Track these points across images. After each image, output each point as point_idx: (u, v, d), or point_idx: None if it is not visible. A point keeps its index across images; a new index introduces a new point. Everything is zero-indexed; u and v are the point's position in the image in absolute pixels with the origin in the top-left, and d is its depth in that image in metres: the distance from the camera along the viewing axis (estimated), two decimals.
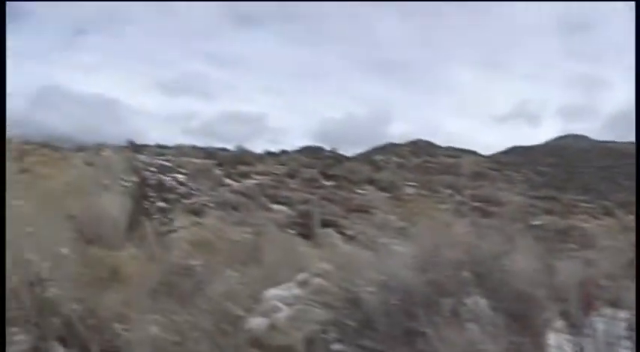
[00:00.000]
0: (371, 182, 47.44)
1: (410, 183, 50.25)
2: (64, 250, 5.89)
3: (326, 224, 22.30)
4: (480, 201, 43.69)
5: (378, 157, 73.91)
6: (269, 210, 34.77)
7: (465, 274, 6.12)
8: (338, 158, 57.38)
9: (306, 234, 28.76)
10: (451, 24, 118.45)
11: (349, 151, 69.42)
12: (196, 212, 13.22)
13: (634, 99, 5.93)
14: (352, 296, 5.73)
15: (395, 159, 78.04)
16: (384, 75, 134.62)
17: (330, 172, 47.90)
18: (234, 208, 31.31)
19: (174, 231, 12.27)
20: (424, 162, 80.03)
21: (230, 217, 26.58)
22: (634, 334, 5.83)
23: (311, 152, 59.36)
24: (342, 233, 12.92)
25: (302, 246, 14.21)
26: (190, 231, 12.70)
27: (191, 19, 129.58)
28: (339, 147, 61.88)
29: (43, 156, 16.35)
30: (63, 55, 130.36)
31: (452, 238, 6.57)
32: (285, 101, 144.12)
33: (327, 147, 61.21)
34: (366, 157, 71.37)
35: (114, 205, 10.38)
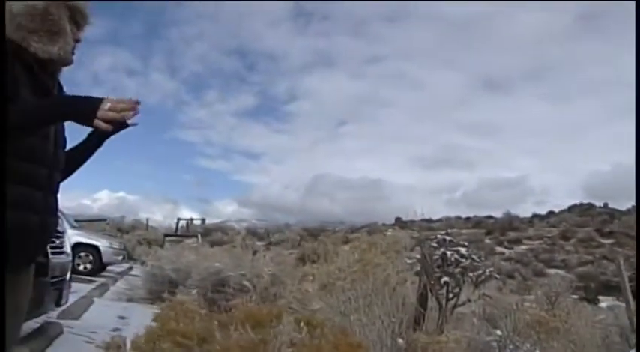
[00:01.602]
0: None
1: None
2: (400, 340, 5.93)
3: (615, 287, 20.55)
4: None
5: None
6: (544, 275, 33.16)
7: None
8: (612, 213, 53.50)
9: (590, 299, 26.81)
10: None
11: (623, 204, 64.46)
12: (477, 284, 12.80)
13: (634, 103, 4.87)
14: None
15: None
16: None
17: (606, 229, 44.71)
18: (509, 276, 30.40)
19: (462, 305, 12.00)
20: None
21: (506, 286, 25.75)
22: None
23: (581, 210, 56.04)
24: None
25: (599, 314, 13.17)
26: (477, 303, 12.36)
27: (441, 92, 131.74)
28: (611, 202, 57.80)
29: (321, 242, 17.15)
30: (329, 145, 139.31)
31: None
32: (546, 161, 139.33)
33: (598, 203, 57.42)
34: None
35: (409, 287, 10.43)
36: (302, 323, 2.27)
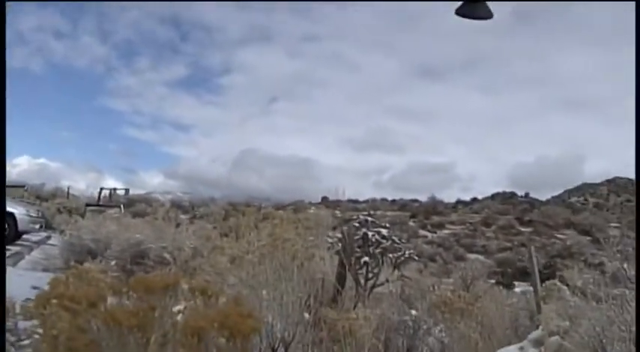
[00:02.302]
0: (570, 225, 45.03)
1: (613, 224, 47.13)
2: (306, 315, 5.93)
3: (526, 273, 21.19)
4: None
5: (574, 199, 70.36)
6: (464, 259, 34.00)
7: None
8: (533, 203, 55.24)
9: (507, 284, 27.62)
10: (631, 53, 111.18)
11: (543, 195, 66.68)
12: (397, 265, 12.99)
13: (634, 100, 5.17)
14: None
15: (592, 199, 73.85)
16: (573, 113, 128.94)
17: (526, 218, 46.13)
18: (431, 259, 31.02)
19: (380, 285, 12.16)
20: (625, 201, 74.87)
21: (427, 268, 26.30)
22: None
23: (504, 198, 57.63)
24: (566, 283, 12.05)
25: (511, 298, 13.54)
26: (395, 284, 12.54)
27: (376, 76, 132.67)
28: (532, 192, 59.64)
29: (245, 217, 17.04)
30: (259, 121, 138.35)
31: None
32: (474, 149, 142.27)
33: (521, 193, 59.16)
34: (561, 200, 68.15)
35: (324, 262, 10.47)
36: (196, 292, 2.24)
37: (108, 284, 2.81)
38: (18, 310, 2.60)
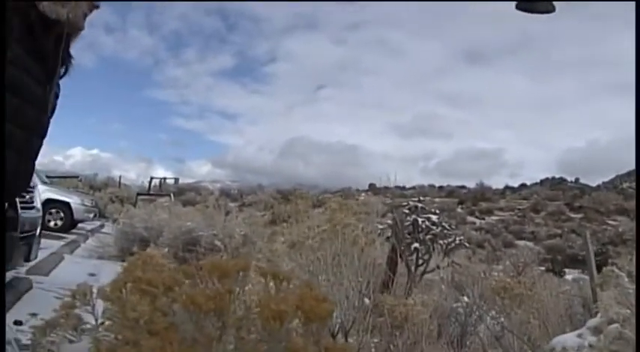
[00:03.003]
0: (622, 212, 44.10)
1: None
2: (367, 300, 5.99)
3: (582, 260, 20.88)
4: None
5: (626, 184, 68.84)
6: (513, 246, 33.63)
7: None
8: (582, 188, 54.22)
9: (557, 271, 27.25)
10: None
11: (594, 180, 65.43)
12: (448, 252, 12.96)
13: (634, 102, 4.94)
14: None
15: None
16: (625, 97, 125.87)
17: (576, 204, 45.34)
18: (479, 245, 30.80)
19: (431, 271, 12.16)
20: None
21: (476, 255, 26.11)
22: None
23: (553, 184, 56.73)
24: (623, 270, 11.84)
25: (564, 285, 13.38)
26: (446, 271, 12.52)
27: (421, 61, 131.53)
28: (582, 177, 58.58)
29: (301, 202, 17.17)
30: (305, 109, 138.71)
31: None
32: (522, 135, 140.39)
33: (570, 178, 58.15)
34: (612, 185, 66.77)
35: (375, 248, 10.51)
36: (268, 276, 2.30)
37: (179, 269, 2.90)
38: (95, 294, 2.71)
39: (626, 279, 7.66)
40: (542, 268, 27.17)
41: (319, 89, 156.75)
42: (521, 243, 34.66)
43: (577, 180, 58.15)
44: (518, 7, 4.60)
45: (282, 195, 31.81)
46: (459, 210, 41.67)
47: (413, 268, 12.05)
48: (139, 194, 40.39)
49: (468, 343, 8.52)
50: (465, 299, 9.95)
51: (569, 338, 6.05)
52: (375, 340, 5.87)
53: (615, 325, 5.86)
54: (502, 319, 9.05)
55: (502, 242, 33.56)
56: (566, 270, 30.38)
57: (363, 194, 21.94)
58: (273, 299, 2.14)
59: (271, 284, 2.37)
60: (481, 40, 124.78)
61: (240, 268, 2.33)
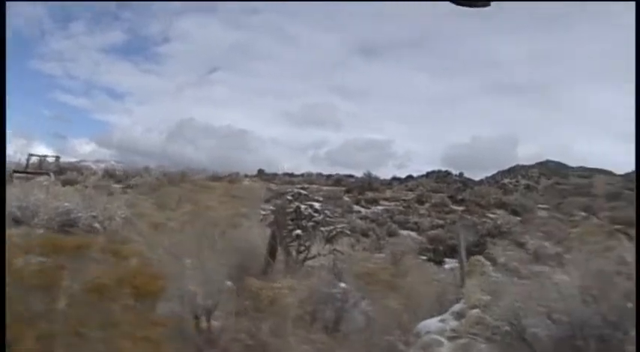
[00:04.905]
0: (501, 205, 45.99)
1: (541, 206, 48.33)
2: (228, 283, 5.91)
3: (455, 250, 21.62)
4: (620, 223, 41.31)
5: (506, 180, 71.96)
6: (397, 235, 34.39)
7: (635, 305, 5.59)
8: (466, 182, 56.20)
9: (438, 261, 28.20)
10: (575, 41, 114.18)
11: (477, 175, 67.88)
12: (330, 239, 13.09)
13: (634, 100, 5.38)
14: (516, 330, 5.35)
15: (524, 181, 75.62)
16: (510, 97, 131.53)
17: (459, 197, 46.91)
18: (364, 234, 31.26)
19: (312, 258, 12.24)
20: (555, 184, 76.92)
21: (360, 243, 26.54)
22: None
23: (438, 177, 58.48)
24: (490, 259, 12.36)
25: (440, 274, 13.84)
26: (327, 258, 12.64)
27: (316, 52, 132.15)
28: (466, 172, 60.64)
29: (180, 188, 16.89)
30: (197, 91, 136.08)
31: (616, 265, 6.05)
32: (411, 128, 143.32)
33: (455, 172, 60.09)
34: (494, 180, 69.61)
35: (255, 234, 10.48)
36: (109, 254, 2.20)
37: (18, 245, 2.76)
38: None
39: (491, 268, 8.04)
40: (424, 257, 27.92)
41: (212, 72, 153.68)
42: (405, 232, 35.41)
43: (461, 174, 60.17)
44: (455, 1, 4.55)
45: (169, 177, 31.18)
46: (345, 198, 42.08)
47: (294, 254, 12.11)
48: (15, 171, 38.40)
49: (342, 327, 8.62)
50: (343, 285, 10.09)
51: (433, 323, 6.26)
52: (244, 323, 5.82)
53: (476, 310, 6.10)
54: (375, 305, 9.27)
55: (386, 231, 34.16)
56: (446, 260, 31.34)
57: (247, 179, 21.82)
58: (103, 274, 2.06)
59: (111, 261, 2.29)
60: (378, 36, 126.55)
61: (78, 245, 2.23)
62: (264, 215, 12.38)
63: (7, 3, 5.16)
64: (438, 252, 32.86)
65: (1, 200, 2.00)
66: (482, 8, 4.72)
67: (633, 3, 5.42)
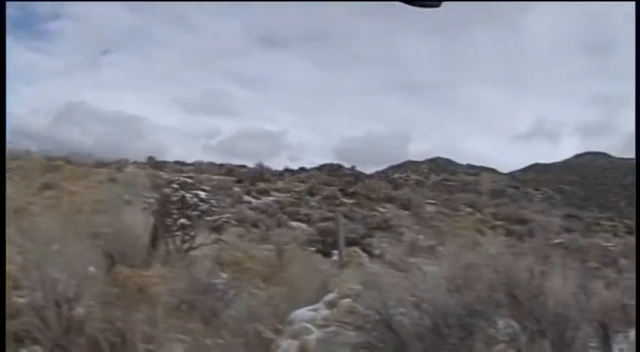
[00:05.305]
0: (390, 200, 47.07)
1: (430, 201, 49.84)
2: (92, 269, 5.76)
3: (349, 242, 21.99)
4: (501, 220, 43.21)
5: (397, 175, 73.89)
6: (288, 227, 34.53)
7: (500, 295, 5.92)
8: (357, 176, 57.11)
9: (326, 252, 28.56)
10: (473, 43, 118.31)
11: (369, 169, 69.25)
12: (217, 229, 13.03)
13: (634, 101, 5.78)
14: (384, 318, 5.53)
15: (414, 176, 77.98)
16: (405, 94, 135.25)
17: (350, 190, 47.62)
18: (254, 225, 31.19)
19: (196, 248, 12.14)
20: (443, 180, 79.73)
21: (249, 234, 26.50)
22: None
23: (331, 170, 59.16)
24: (367, 251, 12.68)
25: (324, 265, 14.03)
26: (212, 248, 12.56)
27: (216, 40, 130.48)
28: (358, 165, 61.65)
29: (66, 172, 16.27)
30: (89, 73, 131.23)
31: (484, 258, 6.37)
32: (306, 120, 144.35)
33: (347, 165, 60.95)
34: (385, 175, 71.31)
35: (137, 222, 10.28)
36: None
37: None
38: None
39: (367, 260, 8.27)
40: (313, 249, 28.20)
41: (105, 54, 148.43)
42: (295, 224, 35.60)
43: (353, 167, 61.10)
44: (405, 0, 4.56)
45: (52, 162, 29.96)
46: (236, 188, 41.79)
47: (179, 243, 11.97)
48: None
49: (222, 317, 8.62)
50: (224, 275, 10.09)
51: (306, 312, 6.37)
52: (111, 312, 5.71)
53: (347, 300, 6.27)
54: (257, 295, 9.31)
55: (276, 222, 34.23)
56: (335, 251, 31.79)
57: (132, 166, 21.37)
58: None
59: None
60: (280, 27, 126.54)
61: None
62: (148, 203, 12.16)
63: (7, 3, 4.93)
64: (327, 243, 33.25)
65: (1, 199, 1.90)
66: (431, 8, 4.82)
67: (633, 3, 5.63)
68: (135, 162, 30.43)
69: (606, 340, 6.07)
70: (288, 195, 43.18)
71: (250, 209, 36.51)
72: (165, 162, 47.05)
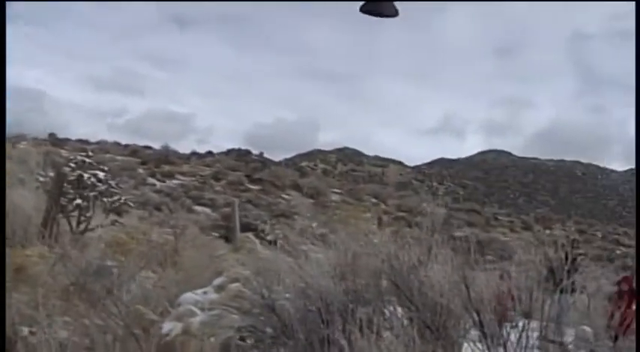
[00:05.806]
0: (296, 187, 47.43)
1: (335, 190, 50.48)
2: None
3: (248, 228, 22.05)
4: (403, 211, 44.25)
5: (304, 163, 74.46)
6: (192, 211, 34.25)
7: (383, 283, 6.14)
8: (265, 162, 57.25)
9: (228, 237, 28.54)
10: (387, 39, 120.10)
11: (277, 156, 69.50)
12: (116, 211, 12.83)
13: (634, 100, 6.06)
14: (269, 303, 5.66)
15: (321, 165, 78.96)
16: (317, 83, 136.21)
17: (256, 176, 47.66)
18: (157, 208, 30.74)
19: (92, 229, 11.93)
20: (350, 170, 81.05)
21: (152, 217, 26.13)
22: (546, 344, 6.00)
23: (238, 155, 59.09)
24: (262, 237, 12.80)
25: (222, 250, 14.03)
26: (108, 230, 12.35)
27: (129, 18, 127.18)
28: (267, 152, 61.77)
29: None
30: None
31: (372, 247, 6.58)
32: (216, 103, 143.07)
33: (255, 151, 60.96)
34: (293, 163, 71.69)
35: (28, 201, 10.00)
36: None
37: None
38: None
39: (260, 245, 8.42)
40: (217, 234, 28.11)
41: (10, 23, 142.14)
42: (199, 208, 35.38)
43: (261, 153, 61.24)
44: (362, 10, 4.64)
45: None
46: (140, 170, 41.09)
47: (74, 224, 11.73)
48: None
49: (112, 300, 8.54)
50: (118, 257, 9.96)
51: (194, 295, 6.44)
52: None
53: (236, 284, 6.37)
54: (153, 278, 9.27)
55: (180, 206, 33.87)
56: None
57: (24, 143, 20.65)
58: None
59: None
60: (195, 7, 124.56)
61: None
62: (41, 182, 11.83)
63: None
64: (230, 229, 33.24)
65: (1, 198, 1.82)
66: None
67: (633, 3, 5.80)
68: (34, 139, 29.36)
69: (492, 330, 6.37)
70: (194, 178, 42.81)
71: (154, 192, 35.97)
72: (67, 140, 45.64)
